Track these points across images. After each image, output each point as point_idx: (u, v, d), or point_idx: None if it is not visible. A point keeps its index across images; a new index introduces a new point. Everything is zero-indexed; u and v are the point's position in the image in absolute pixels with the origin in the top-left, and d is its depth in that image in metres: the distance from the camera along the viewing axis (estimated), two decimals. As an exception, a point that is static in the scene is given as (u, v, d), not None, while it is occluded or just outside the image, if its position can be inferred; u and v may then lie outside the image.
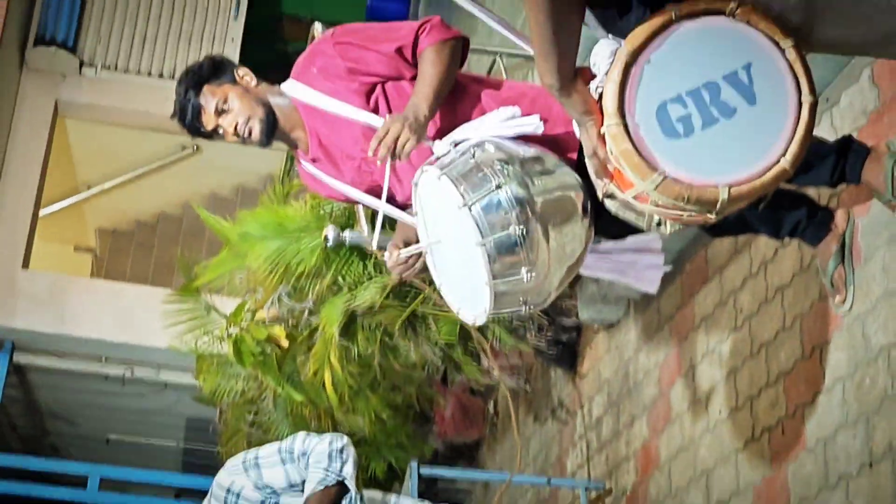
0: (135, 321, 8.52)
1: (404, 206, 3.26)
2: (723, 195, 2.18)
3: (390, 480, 7.10)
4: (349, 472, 3.40)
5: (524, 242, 2.72)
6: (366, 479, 6.65)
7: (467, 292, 2.91)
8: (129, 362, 9.14)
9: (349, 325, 5.58)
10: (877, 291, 3.43)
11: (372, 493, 3.61)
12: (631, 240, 4.68)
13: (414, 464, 5.52)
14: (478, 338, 5.60)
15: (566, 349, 6.16)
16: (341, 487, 3.39)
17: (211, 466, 3.65)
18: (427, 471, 5.74)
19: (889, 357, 3.32)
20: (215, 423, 7.42)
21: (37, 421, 10.67)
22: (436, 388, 6.98)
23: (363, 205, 3.45)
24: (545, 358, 6.21)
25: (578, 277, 4.89)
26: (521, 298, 2.84)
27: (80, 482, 9.10)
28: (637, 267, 4.78)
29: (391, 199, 3.35)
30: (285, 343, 5.81)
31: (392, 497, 3.64)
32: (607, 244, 4.58)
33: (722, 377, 4.44)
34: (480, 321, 2.94)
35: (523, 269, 2.75)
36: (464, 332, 5.73)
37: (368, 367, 6.01)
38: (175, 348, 6.44)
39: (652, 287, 4.67)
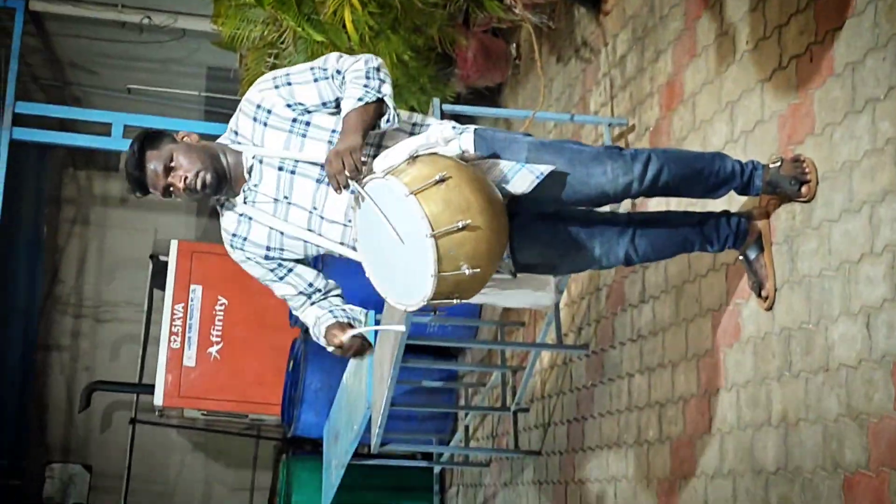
0: (150, -36, 8.38)
1: None
2: None
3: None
4: (388, 90, 3.31)
5: None
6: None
7: None
8: (145, 9, 9.02)
9: (368, -40, 5.44)
10: None
11: (400, 112, 3.55)
12: None
13: (436, 101, 5.49)
14: (500, -28, 5.46)
15: (590, -15, 6.03)
16: (380, 105, 3.30)
17: (232, 114, 3.60)
18: (449, 108, 5.72)
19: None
20: (236, 69, 7.39)
21: (57, 71, 10.67)
22: (458, 29, 6.87)
23: None
24: (569, -5, 6.08)
25: None
26: None
27: (104, 131, 9.22)
28: None
29: None
30: (303, -20, 5.69)
31: (417, 115, 3.59)
32: None
33: (750, 6, 4.34)
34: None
35: None
36: (486, -33, 5.59)
37: (389, 6, 5.90)
38: (192, -9, 6.32)
39: None
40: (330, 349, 3.56)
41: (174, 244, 9.85)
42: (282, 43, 6.41)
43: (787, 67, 4.01)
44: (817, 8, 3.82)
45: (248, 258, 3.64)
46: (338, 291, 3.77)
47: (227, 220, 3.61)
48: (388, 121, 3.33)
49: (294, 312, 3.77)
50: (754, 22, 4.30)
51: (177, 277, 9.67)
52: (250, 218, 3.55)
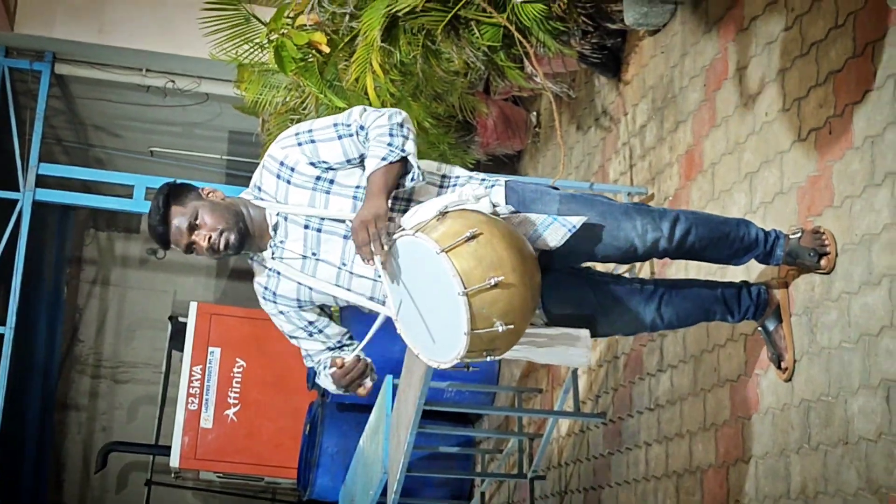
0: (175, 30, 8.45)
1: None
2: None
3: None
4: (411, 148, 3.27)
5: None
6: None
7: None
8: (169, 73, 9.11)
9: (391, 30, 5.47)
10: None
11: (427, 163, 3.52)
12: None
13: (457, 168, 5.53)
14: (521, 42, 5.50)
15: (611, 55, 6.07)
16: (404, 163, 3.27)
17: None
18: (469, 176, 5.75)
19: (945, 51, 3.25)
20: (257, 134, 7.45)
21: (81, 134, 10.78)
22: (478, 97, 6.93)
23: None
24: (589, 64, 6.13)
25: None
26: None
27: (126, 193, 9.28)
28: None
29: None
30: (326, 48, 5.72)
31: (445, 167, 3.55)
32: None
33: (770, 79, 4.38)
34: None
35: None
36: (507, 37, 5.62)
37: (410, 74, 5.94)
38: (216, 57, 6.38)
39: None
40: (331, 370, 3.47)
41: (193, 306, 9.89)
42: (304, 108, 6.46)
43: (807, 140, 4.03)
44: (837, 82, 3.85)
45: (281, 312, 3.64)
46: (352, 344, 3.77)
47: (258, 274, 3.63)
48: (412, 179, 3.30)
49: (318, 370, 3.75)
50: (774, 94, 4.33)
51: (195, 339, 9.70)
52: (279, 273, 3.55)
